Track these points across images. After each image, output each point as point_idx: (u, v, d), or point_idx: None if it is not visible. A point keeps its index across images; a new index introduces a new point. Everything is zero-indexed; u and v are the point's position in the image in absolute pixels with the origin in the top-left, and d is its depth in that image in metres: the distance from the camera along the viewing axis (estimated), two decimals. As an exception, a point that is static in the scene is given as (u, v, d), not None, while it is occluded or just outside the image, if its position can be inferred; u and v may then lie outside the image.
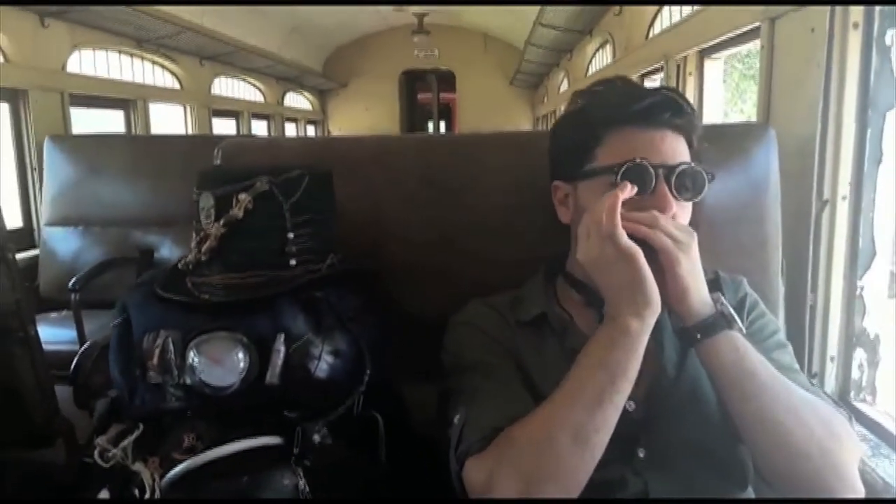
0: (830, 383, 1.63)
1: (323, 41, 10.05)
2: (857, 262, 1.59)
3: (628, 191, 0.95)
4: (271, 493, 1.02)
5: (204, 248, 1.10)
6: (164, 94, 5.69)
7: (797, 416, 0.92)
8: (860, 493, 0.94)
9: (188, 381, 1.03)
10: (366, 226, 1.35)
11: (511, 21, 8.03)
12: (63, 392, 1.53)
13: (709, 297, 0.97)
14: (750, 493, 1.07)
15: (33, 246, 3.64)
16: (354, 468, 1.12)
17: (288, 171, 1.13)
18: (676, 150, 1.01)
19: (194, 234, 1.13)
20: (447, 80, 11.76)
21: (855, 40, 1.54)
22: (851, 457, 0.95)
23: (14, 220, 3.74)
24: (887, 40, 1.52)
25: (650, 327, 0.94)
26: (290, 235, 1.11)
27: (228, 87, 7.52)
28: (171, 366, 1.03)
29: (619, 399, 0.93)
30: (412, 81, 12.40)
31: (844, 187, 1.57)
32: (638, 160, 0.98)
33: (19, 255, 3.43)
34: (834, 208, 1.58)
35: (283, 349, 1.03)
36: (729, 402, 0.96)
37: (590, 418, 0.91)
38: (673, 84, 3.15)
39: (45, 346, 1.71)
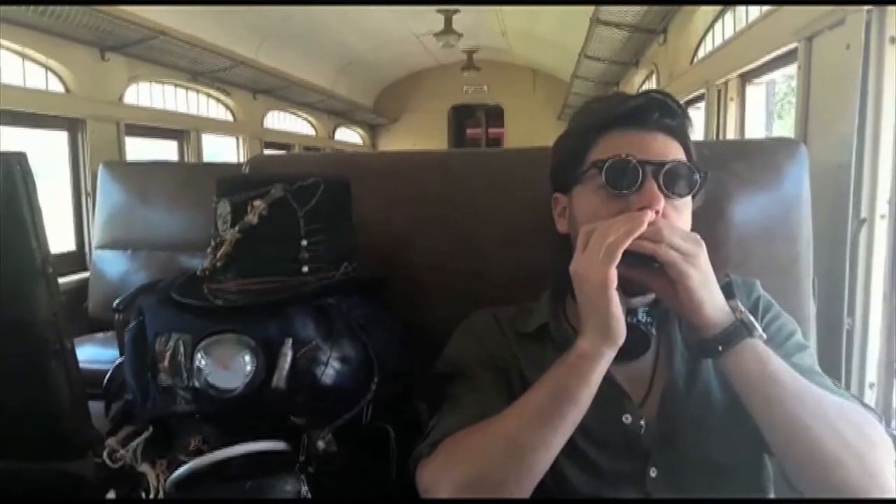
0: (871, 412, 1.54)
1: (374, 78, 10.27)
2: (898, 283, 1.52)
3: (645, 221, 0.91)
4: (274, 499, 1.02)
5: (219, 253, 1.12)
6: (217, 126, 5.88)
7: (828, 423, 0.87)
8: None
9: (196, 383, 1.03)
10: (383, 238, 1.36)
11: (559, 55, 8.06)
12: (100, 407, 1.56)
13: (726, 306, 0.93)
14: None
15: (85, 269, 3.76)
16: (360, 478, 1.10)
17: (303, 179, 1.14)
18: (667, 150, 0.99)
19: (212, 241, 1.15)
20: (496, 115, 11.86)
21: (892, 55, 1.50)
22: (887, 459, 0.89)
23: (69, 244, 3.89)
24: (926, 54, 1.48)
25: (606, 360, 0.91)
26: (304, 242, 1.12)
27: (281, 120, 7.73)
28: (181, 368, 1.04)
29: (561, 423, 0.90)
30: (461, 117, 12.53)
31: (883, 205, 1.52)
32: (623, 155, 0.97)
33: (72, 277, 3.59)
34: (872, 227, 1.52)
35: (290, 353, 1.03)
36: (755, 412, 0.92)
37: (526, 436, 0.91)
38: (714, 111, 3.11)
39: (89, 365, 1.74)
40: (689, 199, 1.00)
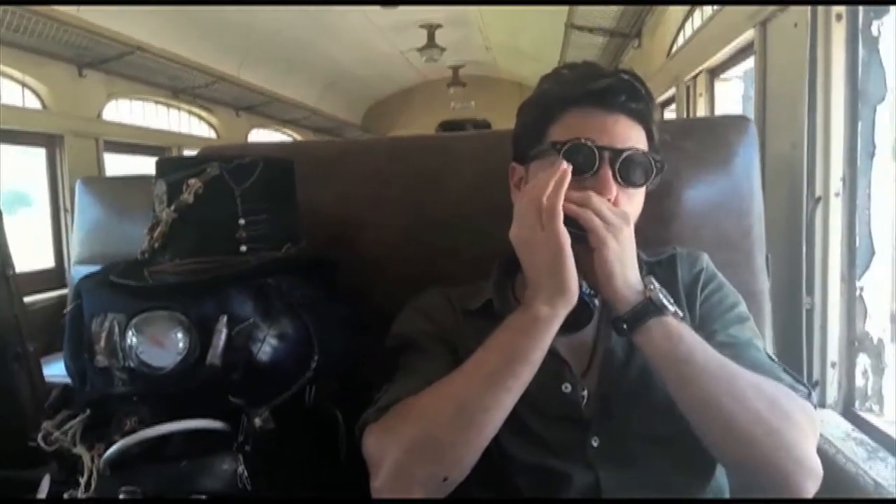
0: (833, 392, 1.53)
1: (361, 95, 10.30)
2: (855, 261, 1.51)
3: (568, 172, 0.92)
4: (209, 478, 1.00)
5: (156, 234, 1.11)
6: (198, 143, 5.84)
7: (741, 401, 0.87)
8: (818, 474, 0.88)
9: (131, 363, 1.02)
10: (335, 223, 1.35)
11: (543, 69, 7.98)
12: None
13: (639, 285, 0.93)
14: (718, 485, 1.01)
15: (64, 285, 3.73)
16: (300, 459, 1.09)
17: (241, 158, 1.14)
18: (628, 135, 0.99)
19: (150, 223, 1.14)
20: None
21: (839, 33, 1.50)
22: (804, 436, 0.89)
23: (47, 261, 3.87)
24: (874, 31, 1.48)
25: (561, 317, 0.91)
26: (242, 221, 1.11)
27: (265, 137, 7.72)
28: (117, 348, 1.02)
29: (514, 384, 0.90)
30: (449, 133, 12.58)
31: (837, 183, 1.51)
32: (582, 140, 0.96)
33: (51, 294, 3.56)
34: (827, 206, 1.51)
35: (224, 330, 1.01)
36: (670, 389, 0.92)
37: (478, 397, 0.90)
38: (683, 107, 3.13)
39: (65, 379, 1.72)
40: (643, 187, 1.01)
